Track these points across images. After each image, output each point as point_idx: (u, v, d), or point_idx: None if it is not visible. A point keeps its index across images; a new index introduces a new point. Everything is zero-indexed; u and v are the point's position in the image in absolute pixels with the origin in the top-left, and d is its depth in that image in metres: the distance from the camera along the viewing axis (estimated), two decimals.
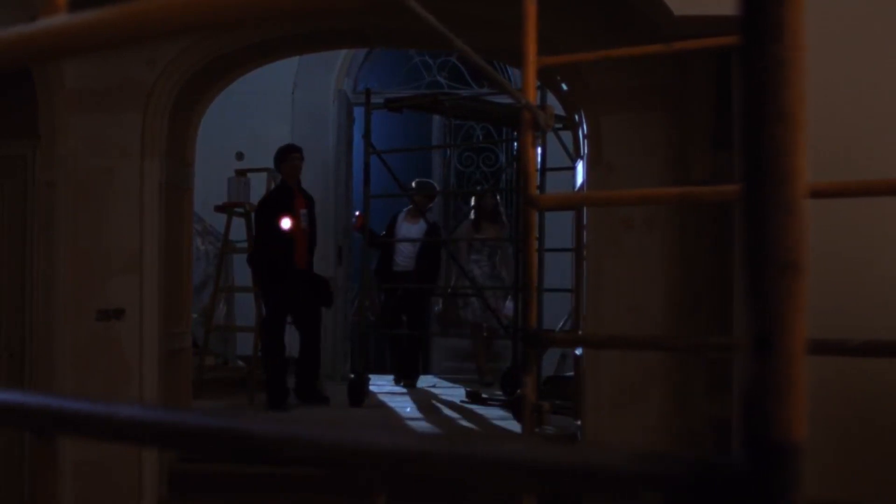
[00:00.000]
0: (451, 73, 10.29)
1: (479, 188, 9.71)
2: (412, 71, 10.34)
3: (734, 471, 0.76)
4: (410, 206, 9.09)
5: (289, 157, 7.86)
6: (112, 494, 5.63)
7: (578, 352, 5.90)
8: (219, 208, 7.99)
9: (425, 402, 7.81)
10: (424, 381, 9.19)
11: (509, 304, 8.48)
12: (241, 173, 8.19)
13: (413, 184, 9.11)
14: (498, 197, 9.07)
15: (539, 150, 6.93)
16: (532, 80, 3.04)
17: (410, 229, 9.14)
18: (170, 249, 5.88)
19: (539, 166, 6.92)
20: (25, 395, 1.11)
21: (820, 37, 4.10)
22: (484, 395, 7.63)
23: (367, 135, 7.44)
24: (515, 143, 8.17)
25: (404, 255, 9.17)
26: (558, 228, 7.73)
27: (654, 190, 3.91)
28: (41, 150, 5.60)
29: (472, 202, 9.19)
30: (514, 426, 6.42)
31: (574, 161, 6.27)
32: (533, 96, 2.99)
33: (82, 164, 5.64)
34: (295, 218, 7.65)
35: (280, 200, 7.77)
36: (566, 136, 7.08)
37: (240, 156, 9.65)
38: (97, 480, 5.63)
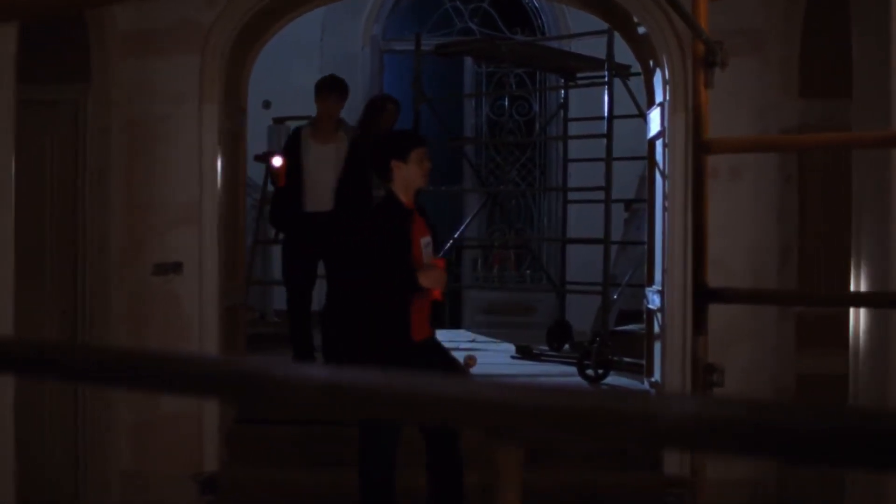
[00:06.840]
0: (483, 19, 9.97)
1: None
2: (443, 17, 10.00)
3: None
4: (314, 118, 6.33)
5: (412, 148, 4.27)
6: (172, 456, 5.41)
7: (653, 305, 5.68)
8: (258, 157, 7.69)
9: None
10: (459, 336, 8.95)
11: None
12: (280, 121, 7.88)
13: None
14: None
15: (606, 97, 6.65)
16: (704, 11, 2.79)
17: (321, 154, 6.19)
18: (227, 199, 5.61)
19: (606, 114, 6.64)
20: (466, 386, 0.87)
21: None
22: (535, 351, 7.42)
23: (416, 82, 7.13)
24: (563, 92, 7.89)
25: (317, 191, 6.18)
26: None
27: (847, 134, 3.66)
28: (93, 95, 5.28)
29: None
30: (581, 382, 6.23)
31: (646, 109, 6.02)
32: (706, 28, 2.73)
33: (137, 110, 5.36)
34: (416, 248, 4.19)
35: (395, 223, 4.17)
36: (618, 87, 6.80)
37: (266, 104, 9.33)
38: (156, 443, 5.40)
